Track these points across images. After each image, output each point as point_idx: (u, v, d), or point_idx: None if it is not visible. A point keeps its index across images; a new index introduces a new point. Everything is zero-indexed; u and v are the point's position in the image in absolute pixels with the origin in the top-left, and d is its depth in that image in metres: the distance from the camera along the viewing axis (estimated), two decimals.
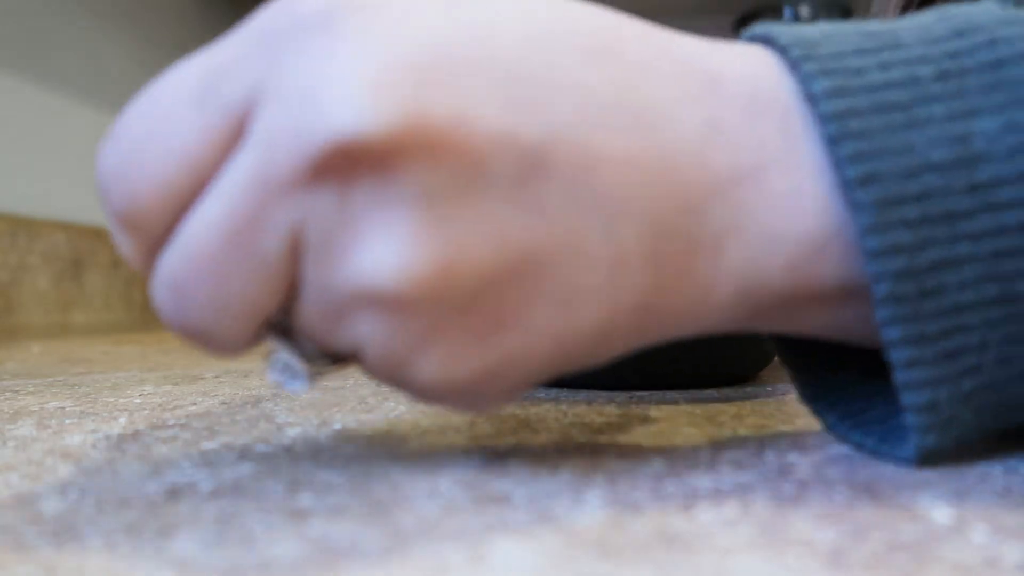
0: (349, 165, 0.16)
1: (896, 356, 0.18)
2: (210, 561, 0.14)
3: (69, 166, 1.07)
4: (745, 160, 0.18)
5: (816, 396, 0.23)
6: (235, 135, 0.17)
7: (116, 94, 1.19)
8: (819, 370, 0.24)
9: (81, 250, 1.06)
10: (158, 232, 0.18)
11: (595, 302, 0.18)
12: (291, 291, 0.18)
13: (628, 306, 0.18)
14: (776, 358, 0.49)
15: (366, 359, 0.18)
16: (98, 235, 1.10)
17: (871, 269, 0.18)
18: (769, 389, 0.35)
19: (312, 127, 0.16)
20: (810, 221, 0.18)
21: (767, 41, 0.20)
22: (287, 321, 0.19)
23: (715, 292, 0.19)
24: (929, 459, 0.19)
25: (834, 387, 0.23)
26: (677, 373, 0.36)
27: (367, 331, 0.18)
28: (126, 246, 0.19)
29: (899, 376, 0.18)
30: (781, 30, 0.20)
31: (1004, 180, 0.18)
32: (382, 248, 0.17)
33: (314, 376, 0.19)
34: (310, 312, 0.18)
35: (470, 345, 0.18)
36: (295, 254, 0.17)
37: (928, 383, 0.18)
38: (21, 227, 0.95)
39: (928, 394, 0.18)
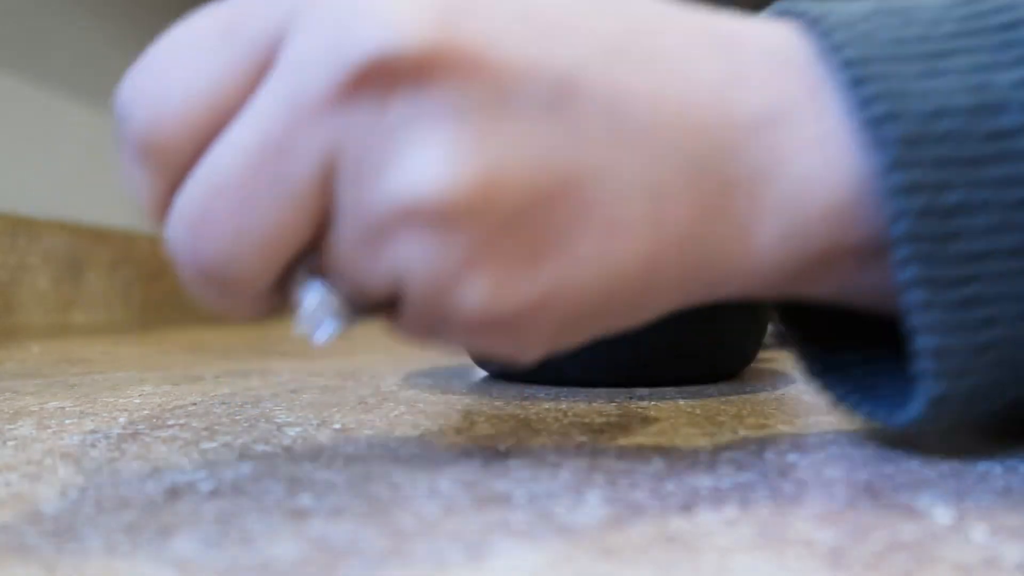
0: (385, 80, 0.16)
1: (912, 298, 0.18)
2: (210, 561, 0.14)
3: (69, 166, 1.07)
4: (771, 106, 0.19)
5: (823, 370, 0.23)
6: (262, 69, 0.17)
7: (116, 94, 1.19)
8: (826, 345, 0.24)
9: (81, 250, 1.06)
10: (180, 163, 0.18)
11: (638, 233, 0.18)
12: (320, 226, 0.18)
13: (671, 240, 0.18)
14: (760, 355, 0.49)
15: (407, 292, 0.18)
16: (98, 235, 1.10)
17: (893, 206, 0.18)
18: (769, 389, 0.35)
19: (347, 44, 0.16)
20: (843, 167, 0.19)
21: (786, 15, 0.21)
22: (316, 265, 0.18)
23: (757, 235, 0.19)
24: (937, 412, 0.19)
25: (841, 362, 0.23)
26: (664, 368, 0.36)
27: (410, 254, 0.17)
28: (143, 181, 0.18)
29: (914, 318, 0.18)
30: (800, 3, 0.21)
31: (1023, 130, 0.18)
32: (423, 160, 0.17)
33: (344, 322, 0.18)
34: (346, 242, 0.18)
35: (517, 269, 0.18)
36: (328, 181, 0.17)
37: (941, 328, 0.18)
38: (21, 227, 0.95)
39: (940, 338, 0.18)
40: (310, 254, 0.18)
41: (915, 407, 0.19)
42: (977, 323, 0.18)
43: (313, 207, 0.17)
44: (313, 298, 0.18)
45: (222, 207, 0.17)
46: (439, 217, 0.17)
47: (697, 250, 0.19)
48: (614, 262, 0.18)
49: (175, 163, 0.18)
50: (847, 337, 0.24)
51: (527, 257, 0.18)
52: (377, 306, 0.19)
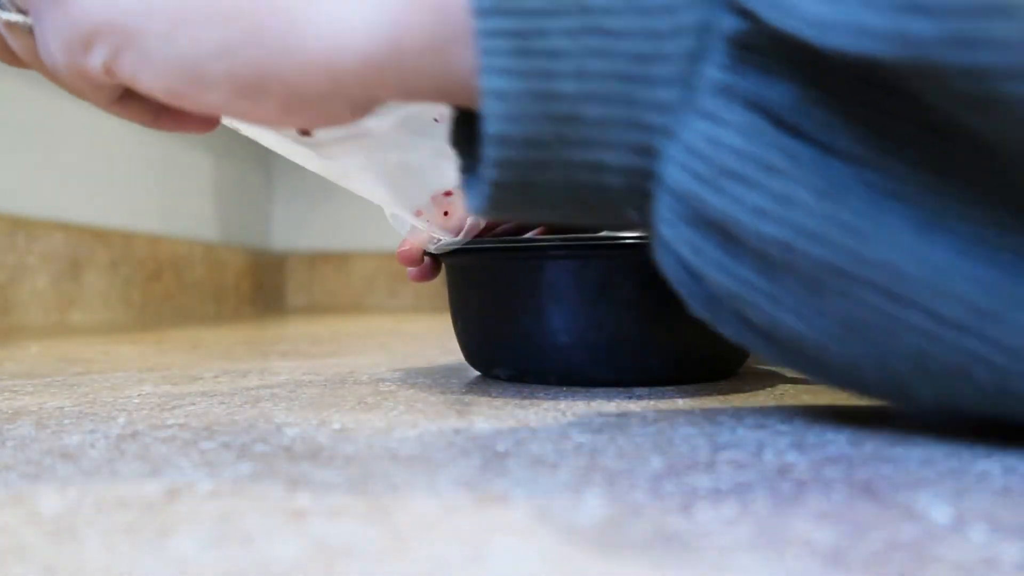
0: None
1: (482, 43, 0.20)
2: (209, 561, 0.14)
3: (69, 166, 1.07)
4: None
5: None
6: None
7: None
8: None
9: (80, 250, 1.06)
10: None
11: None
12: None
13: None
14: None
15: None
16: (97, 235, 1.10)
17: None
18: (769, 389, 0.35)
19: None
20: None
21: None
22: None
23: None
24: (502, 171, 0.21)
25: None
26: (666, 366, 0.36)
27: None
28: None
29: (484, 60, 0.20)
30: None
31: None
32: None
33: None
34: None
35: None
36: None
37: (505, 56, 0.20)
38: (20, 227, 0.95)
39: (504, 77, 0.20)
40: None
41: (485, 171, 0.21)
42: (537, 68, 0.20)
43: None
44: None
45: None
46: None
47: None
48: None
49: None
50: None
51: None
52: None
